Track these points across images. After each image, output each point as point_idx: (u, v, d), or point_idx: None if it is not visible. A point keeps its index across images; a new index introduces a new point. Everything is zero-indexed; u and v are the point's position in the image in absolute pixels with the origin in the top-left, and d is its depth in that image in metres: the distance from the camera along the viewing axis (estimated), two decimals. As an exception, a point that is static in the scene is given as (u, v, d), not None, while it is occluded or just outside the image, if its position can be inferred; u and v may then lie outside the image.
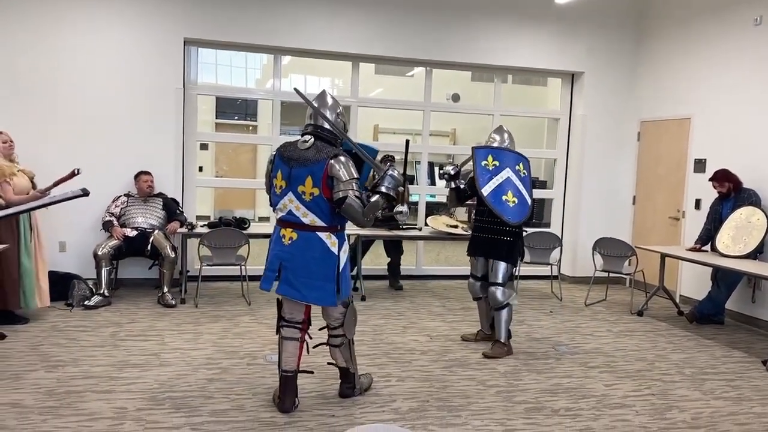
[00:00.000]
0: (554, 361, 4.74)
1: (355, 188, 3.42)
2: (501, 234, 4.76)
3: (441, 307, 6.30)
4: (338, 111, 3.60)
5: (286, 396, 3.62)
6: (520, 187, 4.71)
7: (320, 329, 3.83)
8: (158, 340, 4.84)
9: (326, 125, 3.54)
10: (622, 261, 6.54)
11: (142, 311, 5.64)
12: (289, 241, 3.50)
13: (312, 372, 3.86)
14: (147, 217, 6.14)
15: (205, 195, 11.13)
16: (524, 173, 4.80)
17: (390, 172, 3.57)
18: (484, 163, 4.73)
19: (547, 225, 8.30)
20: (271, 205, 3.64)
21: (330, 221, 3.48)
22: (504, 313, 4.77)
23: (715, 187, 5.97)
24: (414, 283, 7.30)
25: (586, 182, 7.74)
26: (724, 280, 5.90)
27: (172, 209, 6.30)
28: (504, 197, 4.65)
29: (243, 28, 6.63)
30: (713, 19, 6.63)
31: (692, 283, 6.68)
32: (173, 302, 5.84)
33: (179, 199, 6.56)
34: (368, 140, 10.13)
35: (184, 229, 6.14)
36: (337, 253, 3.50)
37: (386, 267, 7.20)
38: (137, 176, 6.25)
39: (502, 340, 4.78)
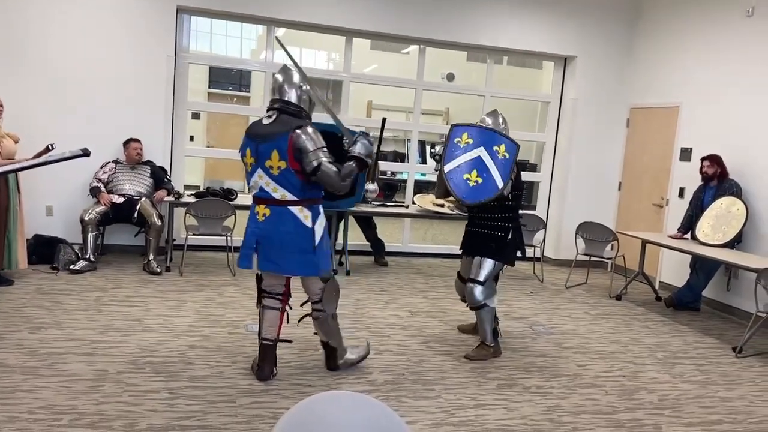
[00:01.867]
0: (530, 341, 4.84)
1: (325, 155, 3.42)
2: (492, 229, 4.40)
3: (424, 284, 6.39)
4: (302, 87, 3.58)
5: (264, 364, 3.70)
6: (492, 167, 4.26)
7: (302, 304, 3.88)
8: (142, 307, 4.90)
9: (292, 98, 3.54)
10: (603, 245, 6.64)
11: (127, 277, 5.70)
12: (263, 218, 3.53)
13: (291, 341, 3.92)
14: (134, 184, 6.16)
15: (195, 165, 11.11)
16: (505, 155, 4.34)
17: (361, 138, 3.58)
18: (457, 140, 4.37)
19: (534, 207, 8.37)
20: (247, 184, 3.70)
21: (301, 194, 3.49)
22: (483, 313, 4.38)
23: (703, 167, 6.02)
24: (399, 260, 7.38)
25: (573, 166, 7.80)
26: (702, 268, 6.01)
27: (159, 177, 6.32)
28: (466, 175, 4.25)
29: (236, -3, 6.60)
30: (706, 9, 6.65)
31: (672, 269, 6.79)
32: (158, 270, 5.89)
33: (167, 168, 6.57)
34: (361, 116, 10.14)
35: (171, 198, 6.17)
36: (311, 227, 3.51)
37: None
38: (126, 143, 6.26)
39: (487, 342, 4.40)
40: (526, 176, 12.12)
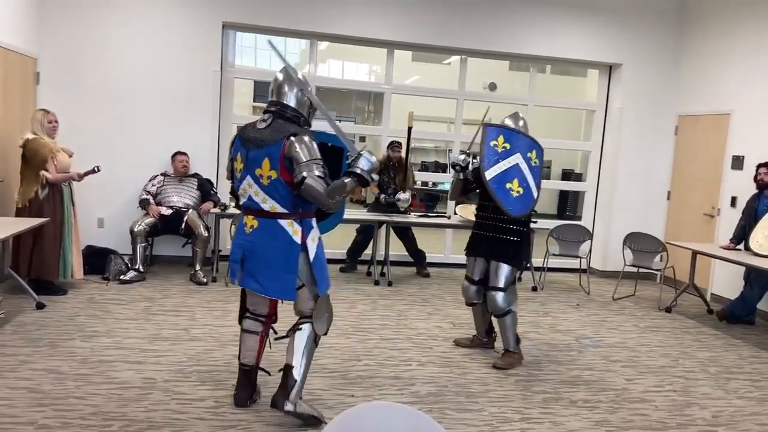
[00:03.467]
0: (576, 354, 4.74)
1: (316, 169, 3.05)
2: (507, 233, 4.30)
3: (467, 295, 6.33)
4: (303, 89, 3.24)
5: (241, 389, 3.46)
6: (528, 176, 4.25)
7: (285, 335, 3.38)
8: (189, 316, 4.99)
9: (291, 102, 3.23)
10: (652, 256, 6.47)
11: (174, 288, 5.82)
12: (251, 230, 3.22)
13: (269, 373, 3.52)
14: (182, 196, 6.31)
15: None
16: (536, 162, 4.32)
17: (364, 153, 3.14)
18: (493, 143, 4.25)
19: (579, 218, 8.23)
20: (231, 192, 3.46)
21: (292, 207, 3.16)
22: (507, 319, 4.31)
23: (759, 175, 5.82)
24: (441, 271, 7.34)
25: (620, 176, 7.65)
26: (757, 280, 5.80)
27: (206, 190, 6.45)
28: (509, 185, 4.19)
29: (280, 12, 6.72)
30: (755, 12, 6.45)
31: (724, 281, 6.57)
32: (205, 280, 6.00)
33: (214, 180, 6.71)
34: (403, 126, 10.16)
35: (217, 210, 6.29)
36: (300, 242, 3.17)
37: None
38: (173, 156, 6.42)
39: (511, 349, 4.35)
40: (571, 186, 11.94)
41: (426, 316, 5.49)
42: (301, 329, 3.28)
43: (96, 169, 5.31)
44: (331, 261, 3.91)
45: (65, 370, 3.76)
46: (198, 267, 6.08)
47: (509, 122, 4.48)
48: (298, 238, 3.17)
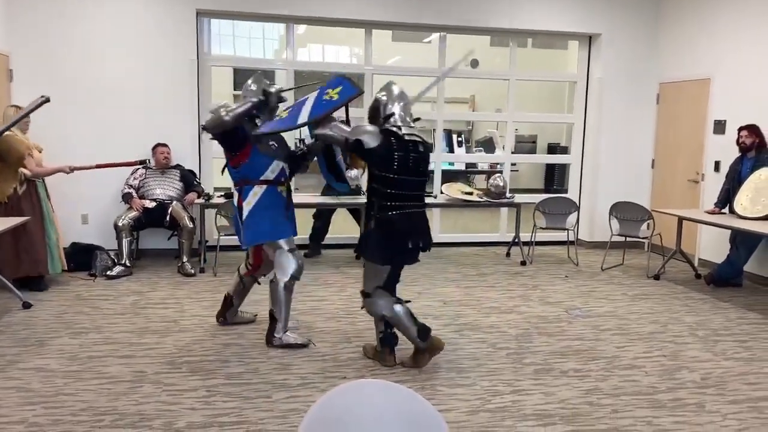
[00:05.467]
0: (566, 325, 4.77)
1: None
2: (368, 218, 3.74)
3: (456, 273, 6.34)
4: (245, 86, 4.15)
5: (221, 309, 4.56)
6: (308, 105, 3.80)
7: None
8: (177, 308, 4.97)
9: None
10: (638, 225, 6.50)
11: (162, 280, 5.79)
12: None
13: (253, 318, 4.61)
14: (165, 188, 6.25)
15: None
16: (332, 97, 3.79)
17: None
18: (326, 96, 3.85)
19: (565, 191, 8.24)
20: None
21: (236, 178, 4.11)
22: (393, 321, 3.80)
23: (740, 138, 5.84)
24: (430, 251, 7.31)
25: (604, 146, 7.65)
26: (743, 242, 5.84)
27: (189, 181, 6.40)
28: (276, 116, 4.08)
29: (254, -3, 6.63)
30: (734, -25, 6.44)
31: (711, 246, 6.62)
32: (192, 271, 5.97)
33: (197, 171, 6.65)
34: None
35: (201, 200, 6.25)
36: (237, 205, 4.07)
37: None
38: (154, 148, 6.35)
39: (419, 346, 3.82)
40: (556, 159, 11.91)
41: (415, 295, 5.47)
42: (270, 283, 4.16)
43: (147, 161, 6.07)
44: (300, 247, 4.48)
45: (54, 368, 3.74)
46: (185, 259, 6.05)
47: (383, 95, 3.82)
48: (235, 201, 4.10)
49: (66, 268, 5.67)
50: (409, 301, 3.98)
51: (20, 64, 6.11)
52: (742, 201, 5.70)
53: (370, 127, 3.73)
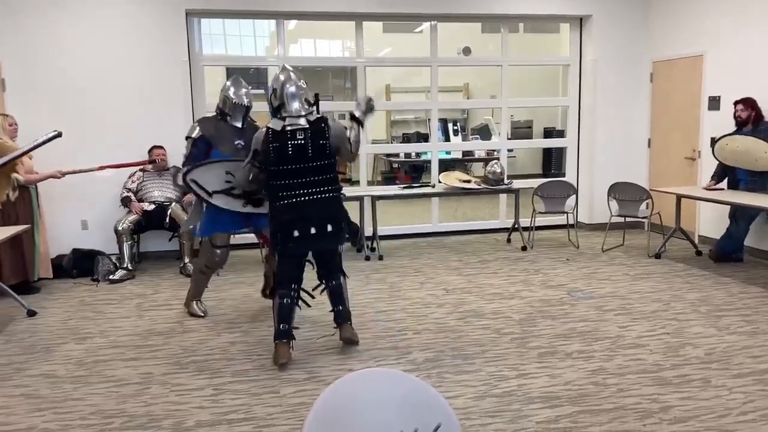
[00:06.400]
0: (569, 307, 4.78)
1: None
2: None
3: (458, 261, 6.35)
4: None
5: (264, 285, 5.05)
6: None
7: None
8: (181, 309, 4.97)
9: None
10: (637, 205, 6.50)
11: (165, 282, 5.80)
12: None
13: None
14: (163, 190, 6.25)
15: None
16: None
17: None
18: None
19: (563, 174, 8.24)
20: None
21: None
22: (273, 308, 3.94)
23: (736, 112, 5.82)
24: (431, 240, 7.36)
25: (599, 128, 7.65)
26: (742, 216, 5.85)
27: (187, 181, 6.40)
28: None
29: (243, -5, 6.61)
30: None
31: (711, 222, 6.63)
32: (194, 272, 5.98)
33: (194, 171, 6.64)
34: (380, 101, 10.07)
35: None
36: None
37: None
38: (150, 151, 6.34)
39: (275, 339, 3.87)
40: (552, 143, 11.89)
41: (418, 285, 5.50)
42: None
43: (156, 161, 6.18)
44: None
45: (61, 374, 3.75)
46: (187, 260, 6.05)
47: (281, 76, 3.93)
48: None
49: (50, 274, 5.77)
50: (314, 297, 3.99)
51: (12, 73, 6.09)
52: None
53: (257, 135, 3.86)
